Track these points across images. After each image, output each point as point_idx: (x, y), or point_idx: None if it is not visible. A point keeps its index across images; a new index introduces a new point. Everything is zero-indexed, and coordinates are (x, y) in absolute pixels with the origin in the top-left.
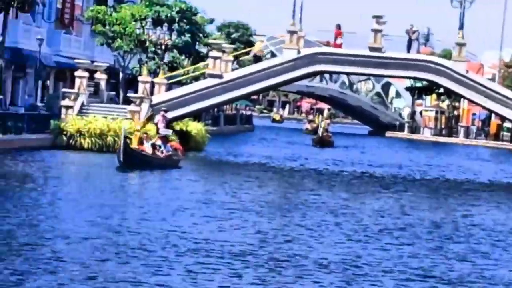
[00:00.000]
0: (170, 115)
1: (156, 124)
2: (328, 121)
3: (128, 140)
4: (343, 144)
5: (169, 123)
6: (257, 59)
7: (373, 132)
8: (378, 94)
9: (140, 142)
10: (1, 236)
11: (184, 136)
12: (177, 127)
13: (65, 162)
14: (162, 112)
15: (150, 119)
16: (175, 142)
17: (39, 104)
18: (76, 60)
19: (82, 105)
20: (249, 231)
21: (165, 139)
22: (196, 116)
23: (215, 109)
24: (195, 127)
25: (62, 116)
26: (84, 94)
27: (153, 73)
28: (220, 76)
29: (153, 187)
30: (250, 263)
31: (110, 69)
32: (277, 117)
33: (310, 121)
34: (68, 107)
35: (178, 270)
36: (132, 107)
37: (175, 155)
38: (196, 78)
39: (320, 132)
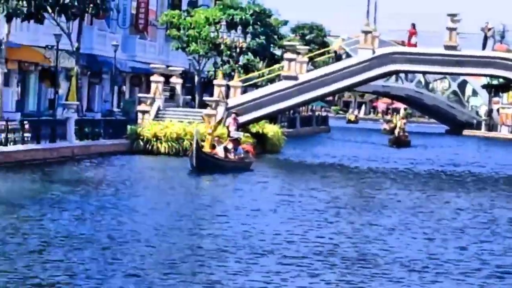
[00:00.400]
0: (246, 117)
1: (227, 127)
2: (404, 120)
3: (200, 144)
4: (420, 144)
5: (240, 126)
6: (338, 56)
7: (450, 131)
8: (454, 92)
9: (212, 146)
10: (83, 240)
11: (260, 138)
12: (253, 130)
13: (142, 167)
14: (233, 115)
15: (220, 122)
16: (246, 144)
17: (115, 109)
18: (151, 65)
19: (158, 109)
20: (328, 231)
21: (236, 142)
22: (272, 118)
23: (291, 111)
24: (271, 129)
25: (139, 121)
26: (160, 98)
27: (228, 76)
28: (295, 78)
29: (229, 190)
30: (330, 262)
31: (185, 73)
32: (352, 118)
33: (388, 121)
34: (144, 112)
35: (259, 270)
36: (208, 110)
37: (247, 158)
38: (271, 80)
39: (396, 132)
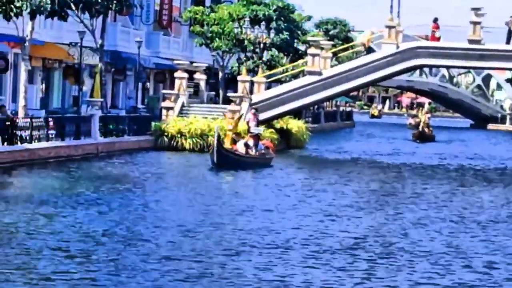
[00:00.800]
0: (270, 113)
1: (247, 123)
2: (428, 115)
3: (221, 140)
4: (444, 138)
5: (263, 122)
6: (368, 49)
7: (475, 125)
8: (478, 86)
9: (233, 142)
10: (107, 234)
11: (284, 134)
12: (278, 125)
13: (166, 164)
14: (252, 111)
15: (241, 118)
16: (266, 140)
17: (139, 106)
18: (175, 61)
19: (183, 105)
20: (354, 225)
21: (257, 137)
22: (296, 113)
23: (315, 106)
24: (295, 125)
25: (163, 117)
26: (184, 95)
27: (252, 72)
28: (319, 73)
29: (253, 185)
30: (354, 256)
31: (209, 69)
32: (376, 113)
33: (413, 116)
34: (168, 108)
35: (287, 265)
36: (232, 106)
37: (267, 154)
38: (295, 76)
39: (420, 127)
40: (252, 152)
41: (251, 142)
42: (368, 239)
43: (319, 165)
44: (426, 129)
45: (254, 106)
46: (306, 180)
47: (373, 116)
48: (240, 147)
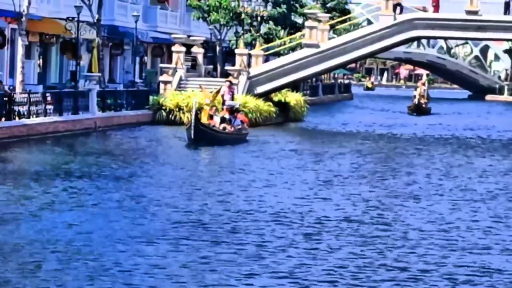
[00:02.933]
0: (268, 86)
1: (222, 96)
2: (424, 87)
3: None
4: (441, 111)
5: (262, 96)
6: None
7: (473, 96)
8: (476, 57)
9: (210, 117)
10: (104, 208)
11: (283, 107)
12: (276, 99)
13: (162, 137)
14: (227, 83)
15: (219, 92)
16: (240, 114)
17: (137, 80)
18: (172, 35)
19: (180, 79)
20: (350, 198)
21: (232, 111)
22: (294, 86)
23: (313, 79)
24: (293, 98)
25: (161, 91)
26: (182, 68)
27: (250, 45)
28: (316, 46)
29: (245, 160)
30: (352, 229)
31: (206, 43)
32: (370, 85)
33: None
34: (166, 82)
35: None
36: (230, 80)
37: (243, 129)
38: (293, 49)
39: (416, 99)
40: (229, 127)
41: (227, 116)
42: (364, 211)
43: (317, 137)
44: (422, 102)
45: (229, 79)
46: (305, 154)
47: (367, 88)
48: (217, 122)
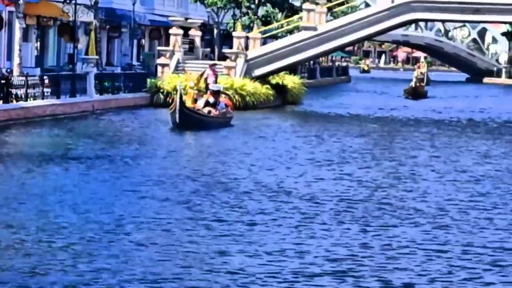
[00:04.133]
0: (266, 69)
1: (205, 79)
2: (420, 70)
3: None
4: (438, 94)
5: (259, 76)
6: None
7: (471, 79)
8: (474, 40)
9: (194, 101)
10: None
11: (280, 90)
12: (273, 81)
13: (156, 120)
14: (208, 67)
15: (203, 75)
16: (225, 97)
17: (135, 63)
18: (170, 18)
19: (178, 62)
20: (346, 179)
21: (216, 95)
22: (292, 69)
23: (311, 62)
24: (291, 81)
25: (158, 74)
26: (179, 51)
27: (248, 28)
28: (314, 29)
29: (240, 144)
30: (351, 209)
31: (204, 25)
32: (366, 67)
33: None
34: (164, 65)
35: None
36: (228, 62)
37: (228, 112)
38: (291, 32)
39: (413, 82)
40: (214, 111)
41: (212, 100)
42: (361, 192)
43: (315, 120)
44: (418, 85)
45: (213, 62)
46: (303, 137)
47: (363, 71)
48: (201, 105)
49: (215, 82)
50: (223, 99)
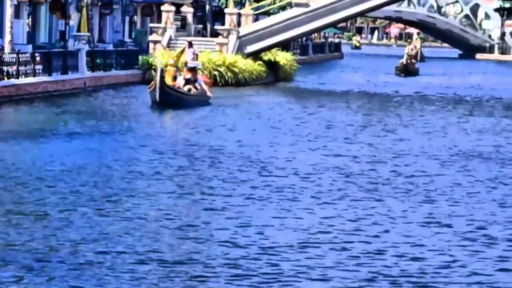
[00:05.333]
0: (258, 45)
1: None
2: (411, 46)
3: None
4: (430, 71)
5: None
6: None
7: (463, 55)
8: (466, 16)
9: (173, 78)
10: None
11: (272, 66)
12: (266, 58)
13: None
14: (186, 44)
15: (183, 51)
16: (202, 75)
17: (127, 40)
18: None
19: (170, 39)
20: (341, 155)
21: (195, 72)
22: (284, 46)
23: (304, 38)
24: (283, 57)
25: (150, 51)
26: (171, 28)
27: (240, 4)
28: (306, 5)
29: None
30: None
31: (196, 2)
32: (357, 44)
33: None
34: (156, 42)
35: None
36: (220, 39)
37: (207, 91)
38: (283, 8)
39: (404, 59)
40: (194, 89)
41: (189, 77)
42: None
43: (308, 97)
44: (409, 62)
45: (189, 39)
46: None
47: (355, 47)
48: (180, 83)
49: (193, 59)
50: (200, 76)
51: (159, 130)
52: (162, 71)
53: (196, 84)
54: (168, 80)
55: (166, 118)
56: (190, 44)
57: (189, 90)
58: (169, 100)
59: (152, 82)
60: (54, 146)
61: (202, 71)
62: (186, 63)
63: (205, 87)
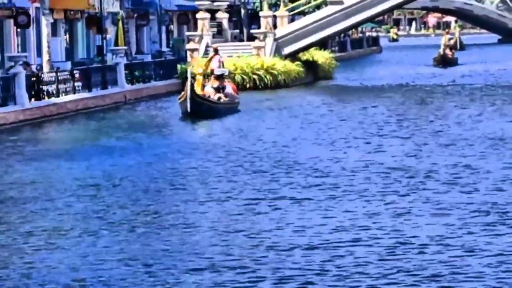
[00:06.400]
0: (296, 46)
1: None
2: (448, 36)
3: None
4: (469, 60)
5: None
6: None
7: (502, 40)
8: (503, 1)
9: (202, 87)
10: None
11: (311, 66)
12: (304, 58)
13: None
14: (213, 50)
15: (211, 60)
16: (228, 82)
17: (164, 49)
18: (196, 2)
19: (207, 46)
20: (379, 149)
21: (222, 80)
22: (322, 44)
23: (341, 35)
24: (321, 56)
25: (188, 59)
26: (208, 35)
27: (275, 6)
28: (341, 2)
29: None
30: (379, 176)
31: (231, 7)
32: (395, 36)
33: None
34: (193, 50)
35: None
36: (256, 43)
37: (236, 98)
38: (318, 7)
39: (441, 50)
40: (223, 97)
41: (216, 85)
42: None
43: (351, 94)
44: (447, 53)
45: (214, 45)
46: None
47: (393, 40)
48: (210, 92)
49: (219, 66)
50: (227, 83)
51: (203, 140)
52: (192, 80)
53: (225, 92)
54: (198, 90)
55: (201, 128)
56: (216, 51)
57: (219, 98)
58: (201, 110)
59: (183, 93)
60: (102, 161)
61: (229, 78)
62: (212, 71)
63: (233, 93)
